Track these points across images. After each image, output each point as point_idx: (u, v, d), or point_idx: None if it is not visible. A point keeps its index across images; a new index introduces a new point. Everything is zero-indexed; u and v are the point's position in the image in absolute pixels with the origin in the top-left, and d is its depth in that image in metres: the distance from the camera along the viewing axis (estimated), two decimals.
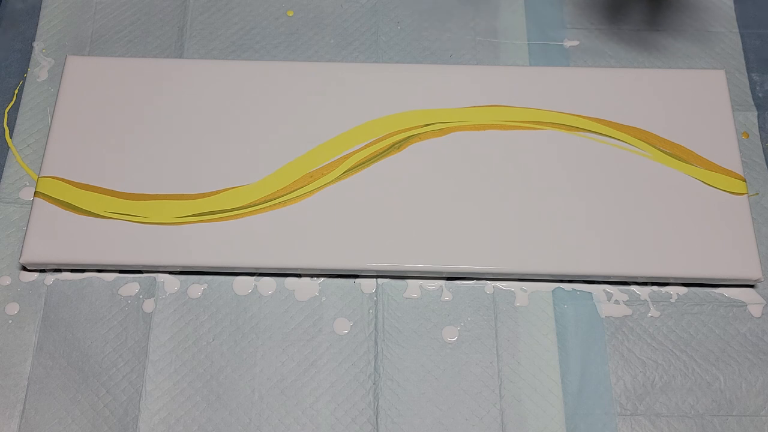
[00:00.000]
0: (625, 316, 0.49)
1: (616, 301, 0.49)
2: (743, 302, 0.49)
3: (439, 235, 0.48)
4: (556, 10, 0.59)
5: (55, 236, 0.47)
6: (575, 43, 0.58)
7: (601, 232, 0.48)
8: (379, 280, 0.49)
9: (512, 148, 0.50)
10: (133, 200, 0.48)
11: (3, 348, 0.47)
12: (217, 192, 0.49)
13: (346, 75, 0.53)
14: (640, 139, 0.51)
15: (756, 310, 0.49)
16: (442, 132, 0.51)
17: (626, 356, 0.48)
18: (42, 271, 0.49)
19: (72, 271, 0.49)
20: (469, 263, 0.47)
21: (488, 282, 0.49)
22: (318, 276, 0.50)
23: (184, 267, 0.48)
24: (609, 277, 0.48)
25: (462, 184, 0.49)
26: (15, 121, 0.54)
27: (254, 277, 0.49)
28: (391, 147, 0.50)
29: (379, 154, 0.50)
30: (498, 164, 0.50)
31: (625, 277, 0.48)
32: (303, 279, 0.50)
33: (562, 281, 0.49)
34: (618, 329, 0.48)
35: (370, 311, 0.49)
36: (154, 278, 0.49)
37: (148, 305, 0.49)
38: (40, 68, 0.56)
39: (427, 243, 0.47)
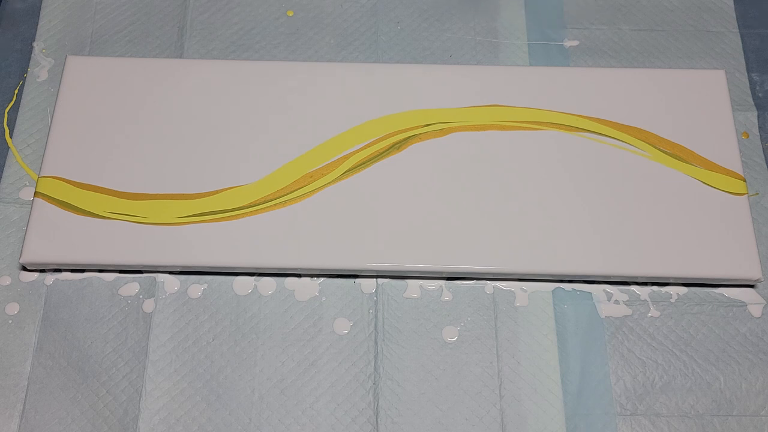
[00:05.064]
0: (625, 316, 0.49)
1: (616, 301, 0.49)
2: (743, 302, 0.49)
3: (439, 235, 0.48)
4: (556, 10, 0.59)
5: (55, 236, 0.47)
6: (575, 43, 0.58)
7: (601, 232, 0.48)
8: (379, 280, 0.49)
9: (512, 148, 0.50)
10: (133, 200, 0.48)
11: (3, 348, 0.47)
12: (217, 192, 0.49)
13: (346, 75, 0.53)
14: (640, 139, 0.51)
15: (756, 310, 0.49)
16: (442, 132, 0.51)
17: (626, 356, 0.48)
18: (42, 271, 0.49)
19: (72, 271, 0.49)
20: (469, 263, 0.47)
21: (488, 282, 0.49)
22: (318, 276, 0.50)
23: (184, 267, 0.48)
24: (609, 277, 0.48)
25: (462, 184, 0.49)
26: (15, 121, 0.54)
27: (254, 277, 0.49)
28: (391, 147, 0.50)
29: (379, 154, 0.50)
30: (498, 164, 0.50)
31: (625, 277, 0.48)
32: (303, 279, 0.50)
33: (562, 281, 0.49)
34: (618, 329, 0.48)
35: (370, 311, 0.49)
36: (154, 278, 0.49)
37: (148, 305, 0.49)
38: (40, 68, 0.56)
39: (427, 243, 0.47)
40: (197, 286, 0.49)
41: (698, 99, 0.52)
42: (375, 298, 0.49)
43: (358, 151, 0.50)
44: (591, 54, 0.57)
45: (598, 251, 0.47)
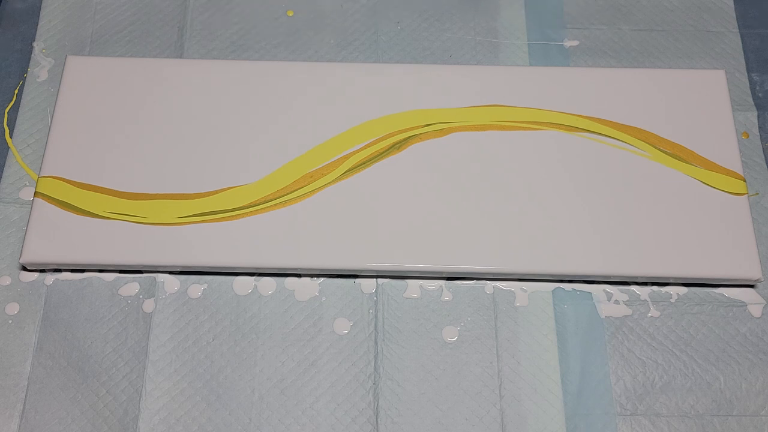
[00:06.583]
0: (625, 316, 0.49)
1: (616, 301, 0.49)
2: (743, 302, 0.49)
3: (439, 235, 0.48)
4: (556, 10, 0.59)
5: (55, 236, 0.47)
6: (575, 43, 0.58)
7: (601, 232, 0.48)
8: (379, 280, 0.49)
9: (512, 148, 0.50)
10: (133, 200, 0.48)
11: (3, 348, 0.47)
12: (217, 192, 0.49)
13: (346, 75, 0.53)
14: (640, 139, 0.51)
15: (756, 310, 0.49)
16: (442, 132, 0.51)
17: (626, 356, 0.48)
18: (42, 271, 0.49)
19: (72, 271, 0.49)
20: (469, 263, 0.47)
21: (488, 282, 0.49)
22: (318, 276, 0.50)
23: (184, 267, 0.48)
24: (609, 277, 0.48)
25: (462, 184, 0.49)
26: (15, 121, 0.54)
27: (254, 277, 0.49)
28: (391, 147, 0.50)
29: (379, 154, 0.50)
30: (498, 164, 0.50)
31: (625, 277, 0.48)
32: (303, 279, 0.50)
33: (562, 281, 0.49)
34: (618, 329, 0.48)
35: (370, 311, 0.49)
36: (154, 278, 0.49)
37: (148, 305, 0.49)
38: (40, 68, 0.56)
39: (427, 243, 0.47)
40: (197, 286, 0.49)
41: (698, 99, 0.52)
42: (375, 298, 0.49)
43: (358, 151, 0.50)
44: (591, 54, 0.57)
45: (598, 251, 0.47)
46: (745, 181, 0.50)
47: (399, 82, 0.52)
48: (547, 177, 0.50)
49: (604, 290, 0.49)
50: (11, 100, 0.55)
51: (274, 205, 0.48)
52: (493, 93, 0.52)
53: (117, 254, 0.47)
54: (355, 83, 0.52)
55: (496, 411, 0.46)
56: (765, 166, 0.53)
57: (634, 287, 0.50)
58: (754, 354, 0.48)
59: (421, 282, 0.49)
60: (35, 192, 0.49)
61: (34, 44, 0.57)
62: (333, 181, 0.49)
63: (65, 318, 0.48)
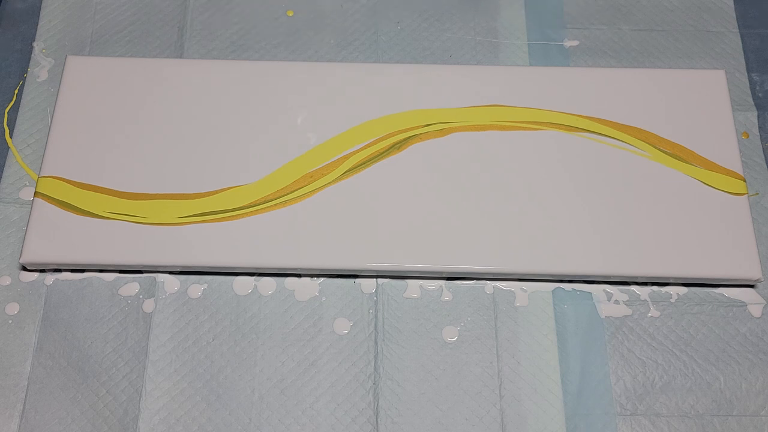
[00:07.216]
0: (625, 316, 0.49)
1: (616, 301, 0.49)
2: (743, 302, 0.49)
3: (439, 235, 0.48)
4: (556, 10, 0.59)
5: (55, 236, 0.47)
6: (575, 43, 0.58)
7: (601, 232, 0.48)
8: (379, 280, 0.49)
9: (512, 148, 0.50)
10: (133, 200, 0.48)
11: (3, 348, 0.47)
12: (217, 192, 0.49)
13: (346, 75, 0.53)
14: (640, 139, 0.51)
15: (756, 310, 0.49)
16: (442, 132, 0.51)
17: (626, 356, 0.48)
18: (42, 271, 0.49)
19: (72, 271, 0.49)
20: (469, 263, 0.47)
21: (488, 282, 0.49)
22: (318, 276, 0.50)
23: (184, 267, 0.48)
24: (609, 277, 0.48)
25: (462, 184, 0.49)
26: (15, 121, 0.54)
27: (254, 277, 0.49)
28: (391, 147, 0.50)
29: (379, 154, 0.50)
30: (498, 164, 0.50)
31: (625, 277, 0.48)
32: (303, 279, 0.50)
33: (562, 281, 0.49)
34: (618, 329, 0.48)
35: (370, 311, 0.49)
36: (154, 278, 0.49)
37: (148, 305, 0.49)
38: (40, 68, 0.56)
39: (427, 243, 0.47)
40: (197, 286, 0.49)
41: (698, 99, 0.52)
42: (375, 298, 0.49)
43: (358, 151, 0.50)
44: (591, 54, 0.57)
45: (598, 251, 0.47)
46: (745, 181, 0.50)
47: (399, 82, 0.52)
48: (547, 177, 0.50)
49: (604, 290, 0.49)
50: (11, 100, 0.55)
51: (274, 205, 0.48)
52: (493, 93, 0.52)
53: (117, 254, 0.47)
54: (355, 83, 0.52)
55: (496, 411, 0.46)
56: (765, 166, 0.53)
57: (634, 287, 0.50)
58: (754, 354, 0.48)
59: (421, 282, 0.49)
60: (35, 192, 0.49)
61: (34, 44, 0.57)
62: (333, 181, 0.49)
63: (65, 318, 0.48)
